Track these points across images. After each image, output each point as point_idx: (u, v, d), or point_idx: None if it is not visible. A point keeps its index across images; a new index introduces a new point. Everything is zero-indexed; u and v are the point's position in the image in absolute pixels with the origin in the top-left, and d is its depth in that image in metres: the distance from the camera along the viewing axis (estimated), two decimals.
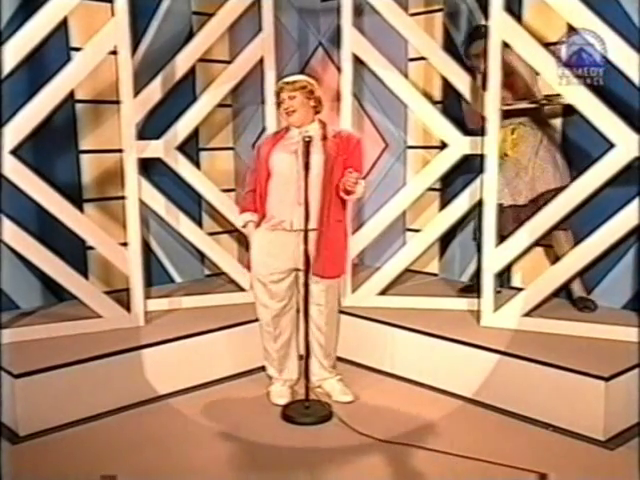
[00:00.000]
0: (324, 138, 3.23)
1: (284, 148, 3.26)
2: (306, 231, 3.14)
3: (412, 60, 4.54)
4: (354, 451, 2.97)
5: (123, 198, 3.80)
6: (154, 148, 3.92)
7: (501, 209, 3.76)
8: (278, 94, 3.27)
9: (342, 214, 3.32)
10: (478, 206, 3.73)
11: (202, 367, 3.68)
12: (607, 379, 3.01)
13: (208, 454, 2.96)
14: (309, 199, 3.12)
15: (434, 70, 4.09)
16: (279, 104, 3.28)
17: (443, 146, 4.04)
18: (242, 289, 4.25)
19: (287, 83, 3.26)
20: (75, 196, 4.02)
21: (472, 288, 4.08)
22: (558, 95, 3.60)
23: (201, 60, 4.13)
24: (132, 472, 2.81)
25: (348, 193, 3.18)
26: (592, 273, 3.79)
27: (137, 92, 3.77)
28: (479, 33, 3.88)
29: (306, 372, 3.31)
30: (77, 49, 3.83)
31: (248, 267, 3.46)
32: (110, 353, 3.38)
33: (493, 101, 3.55)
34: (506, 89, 3.75)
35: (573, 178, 3.61)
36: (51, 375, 3.20)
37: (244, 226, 3.40)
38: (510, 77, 3.76)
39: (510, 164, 3.86)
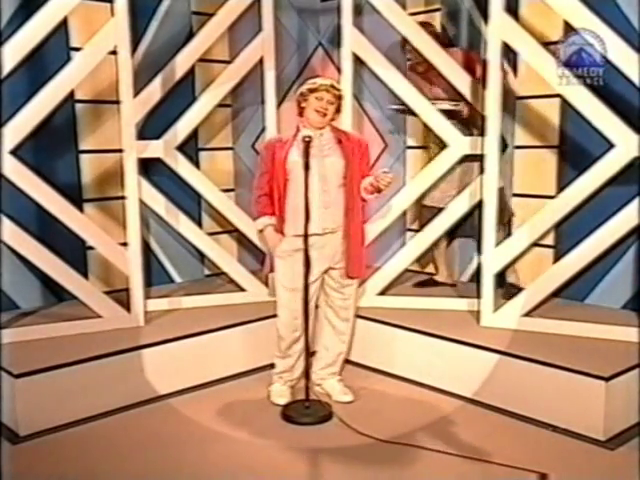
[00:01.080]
0: (340, 142, 3.26)
1: (298, 151, 3.22)
2: (306, 235, 3.12)
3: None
4: (354, 451, 2.97)
5: (123, 198, 3.80)
6: (154, 148, 3.92)
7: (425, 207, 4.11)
8: (316, 90, 3.20)
9: (363, 215, 3.39)
10: (478, 208, 3.74)
11: (202, 367, 3.68)
12: (607, 379, 3.01)
13: (208, 454, 2.96)
14: (310, 200, 3.12)
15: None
16: (306, 99, 3.22)
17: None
18: (242, 289, 4.26)
19: (334, 87, 3.24)
20: (75, 196, 4.02)
21: (429, 282, 4.33)
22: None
23: (201, 60, 4.13)
24: (132, 472, 2.82)
25: (379, 192, 3.24)
26: (592, 273, 3.79)
27: (137, 92, 3.77)
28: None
29: (307, 372, 3.31)
30: (77, 49, 3.83)
31: (269, 270, 3.46)
32: (110, 353, 3.38)
33: (493, 101, 3.55)
34: (441, 87, 3.98)
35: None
36: (51, 375, 3.20)
37: (261, 230, 3.35)
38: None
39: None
